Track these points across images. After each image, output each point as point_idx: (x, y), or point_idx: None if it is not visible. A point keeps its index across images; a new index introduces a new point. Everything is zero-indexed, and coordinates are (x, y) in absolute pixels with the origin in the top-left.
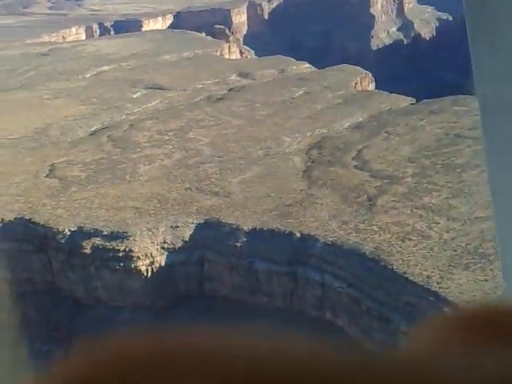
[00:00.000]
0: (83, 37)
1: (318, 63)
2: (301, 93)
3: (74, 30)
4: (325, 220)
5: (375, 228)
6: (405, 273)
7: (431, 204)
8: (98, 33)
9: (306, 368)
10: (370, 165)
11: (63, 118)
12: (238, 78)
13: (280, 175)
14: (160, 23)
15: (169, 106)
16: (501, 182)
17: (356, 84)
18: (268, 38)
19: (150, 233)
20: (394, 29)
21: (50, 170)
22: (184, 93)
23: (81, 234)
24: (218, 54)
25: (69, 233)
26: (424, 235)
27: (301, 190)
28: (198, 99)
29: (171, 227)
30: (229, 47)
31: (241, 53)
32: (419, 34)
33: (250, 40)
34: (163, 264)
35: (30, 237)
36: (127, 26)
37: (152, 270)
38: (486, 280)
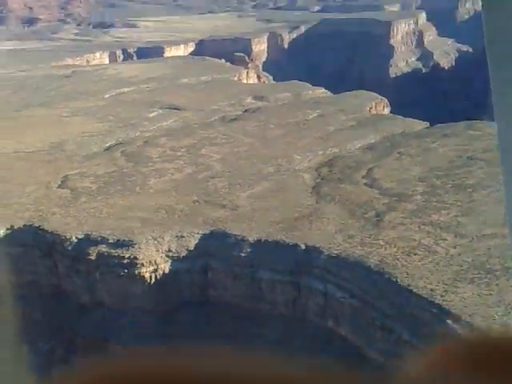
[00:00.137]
0: (106, 61)
1: (335, 90)
2: (314, 115)
3: (97, 54)
4: (331, 233)
5: (381, 242)
6: (409, 285)
7: (439, 221)
8: (121, 58)
9: None
10: (379, 183)
11: (79, 134)
12: (253, 101)
13: (289, 190)
14: (182, 50)
15: (183, 124)
16: None
17: (371, 108)
18: (287, 65)
19: (156, 241)
20: (413, 58)
21: (62, 181)
22: (199, 113)
23: (87, 241)
24: (236, 78)
25: (76, 240)
26: (430, 250)
27: (308, 205)
28: (213, 119)
29: (176, 237)
30: (247, 73)
31: (258, 78)
32: (438, 64)
33: (269, 67)
34: (167, 271)
35: (38, 243)
36: (150, 53)
37: (156, 276)
38: (491, 294)
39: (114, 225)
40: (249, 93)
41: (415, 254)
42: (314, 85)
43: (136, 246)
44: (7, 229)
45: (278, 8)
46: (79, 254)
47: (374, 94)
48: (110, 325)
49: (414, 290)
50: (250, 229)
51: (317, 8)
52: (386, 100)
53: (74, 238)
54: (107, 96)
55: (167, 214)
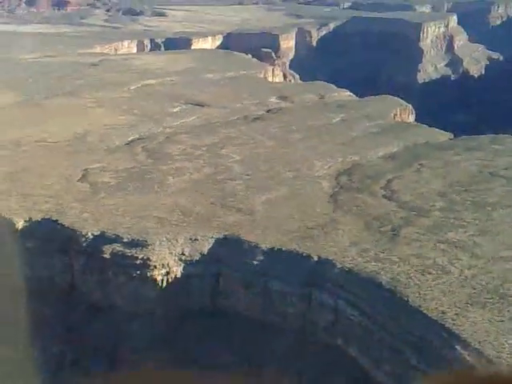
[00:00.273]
0: (134, 50)
1: (363, 92)
2: (338, 119)
3: (126, 43)
4: (345, 246)
5: (395, 259)
6: (420, 306)
7: (456, 240)
8: (148, 48)
9: None
10: (398, 195)
11: (103, 126)
12: (278, 101)
13: (306, 198)
14: (209, 43)
15: (206, 122)
16: None
17: (395, 115)
18: (314, 64)
19: (169, 243)
20: (443, 64)
21: (82, 175)
22: (222, 110)
23: (103, 238)
24: (262, 76)
25: (91, 236)
26: (444, 270)
27: (325, 214)
28: (235, 118)
29: (190, 239)
30: (273, 70)
31: (284, 76)
32: (467, 71)
33: (297, 65)
34: (179, 275)
35: (55, 237)
36: (177, 44)
37: (167, 280)
38: (502, 321)
39: (130, 223)
40: (273, 92)
41: (429, 273)
42: (341, 86)
43: (150, 247)
44: (25, 221)
45: (308, 2)
46: (94, 252)
47: (399, 99)
48: (121, 329)
49: (425, 312)
50: (264, 236)
51: (348, 4)
52: (411, 107)
53: (89, 234)
54: (133, 88)
55: (183, 215)
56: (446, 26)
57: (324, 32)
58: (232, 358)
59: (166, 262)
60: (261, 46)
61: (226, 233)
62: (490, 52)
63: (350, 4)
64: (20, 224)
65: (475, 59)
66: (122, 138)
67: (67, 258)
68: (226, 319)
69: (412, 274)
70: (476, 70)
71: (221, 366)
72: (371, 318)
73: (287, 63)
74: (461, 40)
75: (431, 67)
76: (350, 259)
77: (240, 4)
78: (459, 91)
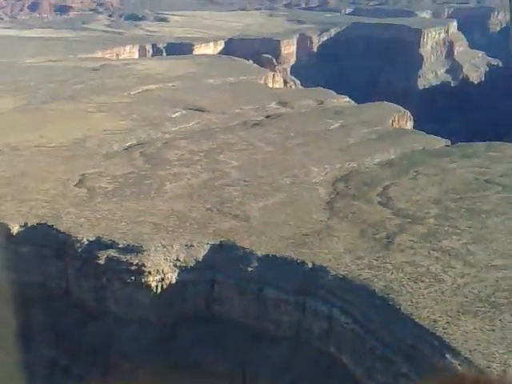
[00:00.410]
0: (136, 55)
1: (363, 98)
2: (336, 125)
3: (127, 48)
4: (339, 253)
5: (389, 266)
6: (412, 314)
7: (449, 247)
8: (150, 53)
9: None
10: (393, 202)
11: (102, 131)
12: (277, 106)
13: (302, 204)
14: (211, 48)
15: (205, 127)
16: None
17: (393, 121)
18: (315, 69)
19: (165, 249)
20: (443, 71)
21: (79, 180)
22: (222, 116)
23: (98, 244)
24: (262, 81)
25: (87, 242)
26: (437, 278)
27: (320, 221)
28: (234, 123)
29: (186, 246)
30: (273, 76)
31: (285, 82)
32: (467, 78)
33: (298, 71)
34: (174, 281)
35: (50, 242)
36: (179, 49)
37: (162, 286)
38: (493, 330)
39: (126, 228)
40: (273, 98)
41: (422, 281)
42: (341, 92)
43: (145, 253)
44: (20, 226)
45: (310, 8)
46: (89, 258)
47: (397, 106)
48: (114, 335)
49: (417, 320)
50: (260, 242)
51: (349, 10)
52: (410, 113)
53: (85, 239)
54: (133, 92)
55: (179, 220)
56: (447, 32)
57: (325, 38)
58: (227, 365)
59: (161, 268)
60: (262, 51)
61: (222, 239)
62: (490, 58)
63: (351, 10)
64: (15, 229)
65: (475, 65)
66: (120, 143)
67: (62, 264)
68: (220, 326)
69: (405, 282)
70: (476, 76)
71: (216, 373)
72: (364, 326)
73: (288, 69)
74: (461, 46)
75: (431, 73)
76: (344, 266)
77: (243, 10)
78: (459, 97)
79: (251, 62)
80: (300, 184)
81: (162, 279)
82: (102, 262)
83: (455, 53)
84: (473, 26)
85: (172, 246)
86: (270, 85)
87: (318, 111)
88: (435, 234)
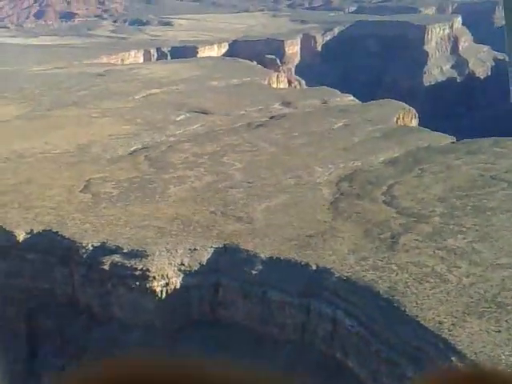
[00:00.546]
0: (141, 60)
1: (368, 96)
2: (340, 124)
3: (132, 53)
4: (343, 254)
5: (393, 267)
6: (417, 316)
7: (455, 246)
8: (155, 57)
9: None
10: (398, 201)
11: (106, 136)
12: (281, 107)
13: (306, 205)
14: (215, 51)
15: (209, 129)
16: None
17: (398, 119)
18: (320, 69)
19: (169, 253)
20: (448, 66)
21: (84, 186)
22: (225, 118)
23: (103, 249)
24: (266, 82)
25: (91, 248)
26: (442, 278)
27: (324, 222)
28: (238, 125)
29: (190, 249)
30: (277, 76)
31: (289, 82)
32: (473, 73)
33: (302, 70)
34: (178, 286)
35: (55, 249)
36: (184, 52)
37: (167, 291)
38: (499, 331)
39: (130, 233)
40: (277, 98)
41: (427, 282)
42: (346, 91)
43: (149, 258)
44: (26, 233)
45: (313, 8)
46: (93, 263)
47: (402, 103)
48: (120, 340)
49: (422, 322)
50: (263, 245)
51: (352, 8)
52: (414, 110)
53: (89, 245)
54: (137, 97)
55: (183, 224)
56: (451, 28)
57: (329, 37)
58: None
59: (165, 273)
60: (266, 52)
61: (225, 242)
62: (496, 53)
63: (354, 8)
64: (21, 236)
65: (481, 60)
66: (125, 148)
67: (67, 270)
68: (225, 330)
69: (410, 283)
70: (482, 71)
71: None
72: (368, 328)
73: (292, 69)
74: (466, 41)
75: (436, 69)
76: (349, 267)
77: (246, 11)
78: (465, 93)
79: (255, 63)
80: (304, 184)
81: (167, 284)
82: (106, 267)
83: (460, 48)
84: (478, 21)
85: (176, 250)
86: (274, 85)
87: (322, 110)
88: (440, 232)
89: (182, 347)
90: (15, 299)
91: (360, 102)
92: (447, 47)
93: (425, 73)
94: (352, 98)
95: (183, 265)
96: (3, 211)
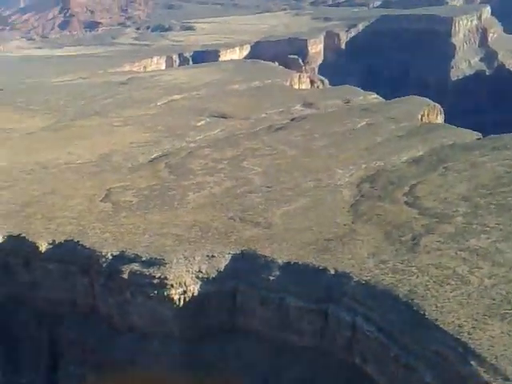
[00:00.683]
0: (163, 66)
1: (394, 93)
2: (363, 124)
3: (155, 59)
4: (363, 258)
5: (414, 269)
6: (436, 320)
7: (477, 247)
8: (177, 62)
9: None
10: (420, 201)
11: (128, 145)
12: (302, 108)
13: (326, 208)
14: (237, 53)
15: (229, 134)
16: None
17: (422, 116)
18: (344, 67)
19: (187, 261)
20: (476, 59)
21: (105, 195)
22: (246, 121)
23: (122, 258)
24: (288, 83)
25: (111, 257)
26: (463, 280)
27: (344, 225)
28: (258, 128)
29: (207, 256)
30: (299, 77)
31: (312, 82)
32: (503, 64)
33: (326, 69)
34: (196, 293)
35: (76, 259)
36: (205, 56)
37: (184, 299)
38: None
39: (149, 241)
40: (298, 99)
41: (448, 284)
42: (372, 88)
43: (167, 266)
44: (48, 243)
45: (337, 4)
46: (113, 272)
47: (426, 99)
48: (140, 350)
49: (441, 326)
50: (281, 250)
51: (377, 3)
52: (440, 106)
53: (109, 254)
54: (159, 104)
55: (201, 231)
56: (479, 19)
57: (353, 33)
58: (251, 379)
59: (183, 281)
60: (289, 52)
61: (243, 248)
62: None
63: (379, 3)
64: (44, 247)
65: (511, 52)
66: (145, 156)
67: (88, 279)
68: (243, 338)
69: (430, 286)
70: None
71: None
72: (387, 333)
73: (316, 68)
74: (495, 32)
75: (464, 63)
76: (368, 271)
77: (268, 11)
78: (494, 86)
79: (277, 64)
80: (324, 187)
81: (185, 292)
82: (125, 276)
83: (489, 39)
84: (508, 11)
85: (194, 258)
86: (296, 86)
87: (345, 110)
88: (463, 233)
89: (200, 356)
90: (37, 310)
91: (384, 100)
92: (475, 39)
93: (452, 67)
94: (375, 95)
95: (201, 272)
96: (27, 222)
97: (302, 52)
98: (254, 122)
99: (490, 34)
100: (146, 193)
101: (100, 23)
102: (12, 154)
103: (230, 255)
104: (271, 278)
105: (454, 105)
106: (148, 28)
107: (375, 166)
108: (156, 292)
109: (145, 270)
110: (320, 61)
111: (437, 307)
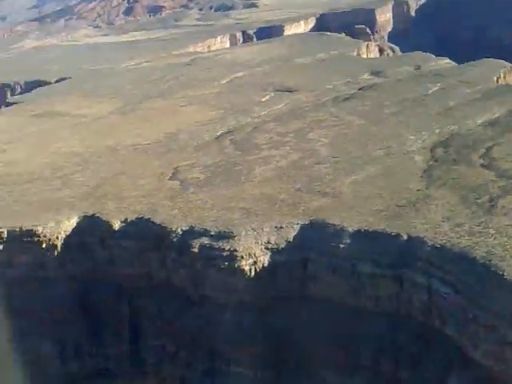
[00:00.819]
0: (227, 45)
1: (468, 58)
2: (435, 89)
3: (218, 39)
4: (437, 222)
5: (491, 231)
6: None
7: None
8: (241, 40)
9: None
10: (497, 163)
11: (193, 124)
12: (370, 77)
13: (397, 175)
14: (302, 27)
15: (294, 107)
16: None
17: (499, 78)
18: (415, 34)
19: (255, 233)
20: None
21: (173, 173)
22: (311, 94)
23: (191, 233)
24: (355, 53)
25: (181, 232)
26: None
27: (417, 191)
28: (325, 100)
29: (276, 228)
30: (367, 46)
31: (382, 51)
32: None
33: (396, 38)
34: (266, 264)
35: (148, 235)
36: (270, 32)
37: (255, 269)
38: None
39: (217, 216)
40: (366, 68)
41: None
42: (445, 54)
43: (236, 238)
44: (121, 222)
45: None
46: (183, 247)
47: (503, 62)
48: (214, 320)
49: None
50: (351, 218)
51: None
52: None
53: (179, 230)
54: (223, 82)
55: (268, 203)
56: None
57: (422, 1)
58: (327, 350)
59: (253, 252)
60: (356, 22)
61: (312, 218)
62: None
63: None
64: (117, 225)
65: None
66: (211, 133)
67: (160, 255)
68: (317, 305)
69: (509, 246)
70: None
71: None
72: (465, 294)
73: (385, 37)
74: None
75: None
76: (443, 235)
77: None
78: None
79: (343, 35)
80: (394, 154)
81: (255, 262)
82: (195, 250)
83: None
84: None
85: (262, 229)
86: (364, 55)
87: (415, 77)
88: None
89: (274, 324)
90: (116, 284)
91: (457, 65)
92: None
93: None
94: (448, 60)
95: (270, 243)
96: (100, 203)
97: (370, 21)
98: (320, 93)
99: None
100: (212, 169)
101: (163, 7)
102: (83, 138)
103: (298, 225)
104: (342, 245)
105: None
106: (211, 8)
107: (449, 131)
108: (227, 264)
109: (214, 243)
110: (389, 29)
111: None
